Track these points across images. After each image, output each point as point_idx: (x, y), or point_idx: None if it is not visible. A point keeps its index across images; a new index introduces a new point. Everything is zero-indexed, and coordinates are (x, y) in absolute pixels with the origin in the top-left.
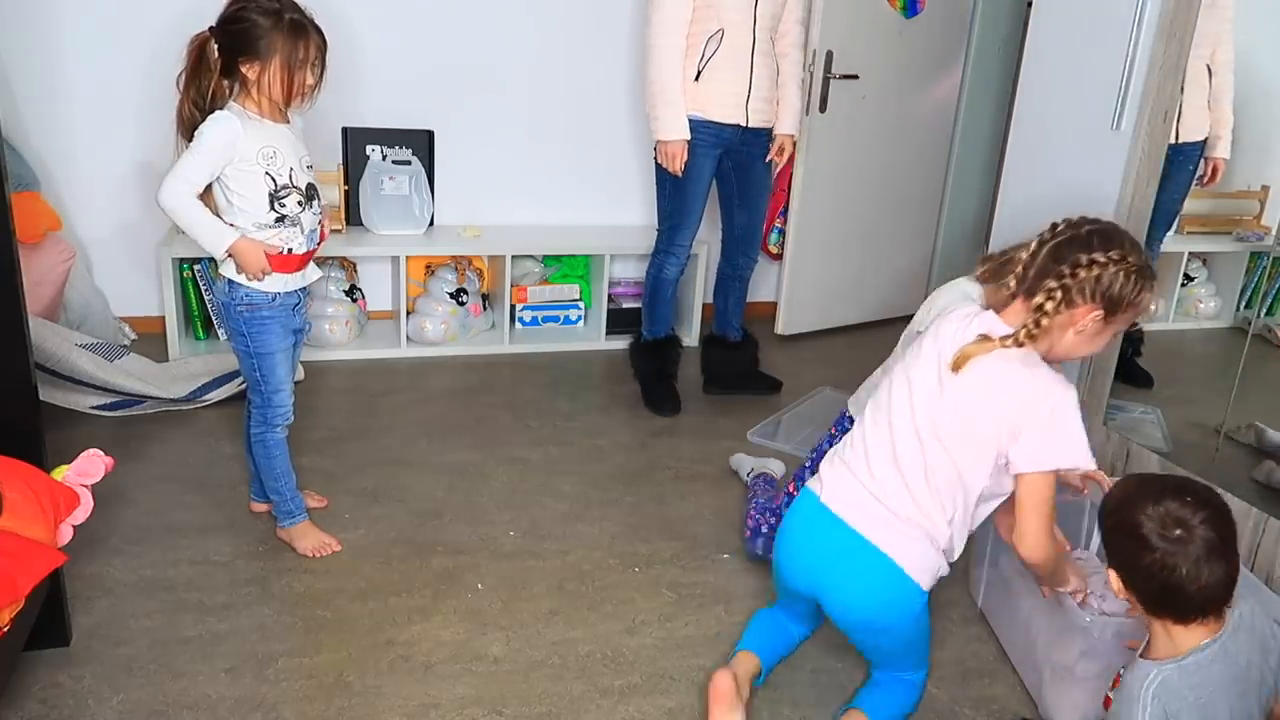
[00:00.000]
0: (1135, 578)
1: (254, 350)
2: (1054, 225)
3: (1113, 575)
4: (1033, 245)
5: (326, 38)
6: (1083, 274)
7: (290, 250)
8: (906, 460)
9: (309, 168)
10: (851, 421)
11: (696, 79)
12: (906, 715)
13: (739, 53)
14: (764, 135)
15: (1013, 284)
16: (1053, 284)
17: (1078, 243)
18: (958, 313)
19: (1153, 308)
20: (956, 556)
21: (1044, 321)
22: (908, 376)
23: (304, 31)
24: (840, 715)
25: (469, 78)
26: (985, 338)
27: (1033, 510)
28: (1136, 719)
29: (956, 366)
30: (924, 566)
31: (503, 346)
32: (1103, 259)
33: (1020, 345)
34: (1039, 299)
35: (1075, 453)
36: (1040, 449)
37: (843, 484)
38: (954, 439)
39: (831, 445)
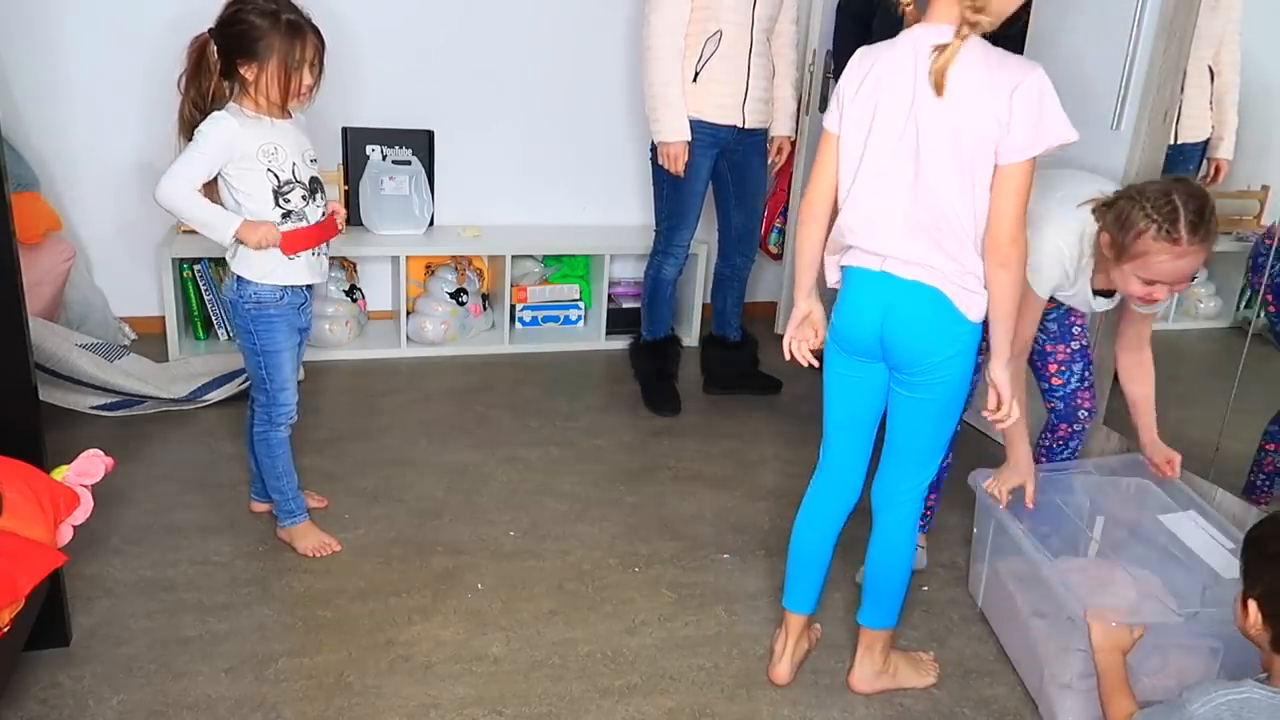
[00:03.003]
0: None
1: (261, 348)
2: None
3: (1251, 607)
4: None
5: (325, 37)
6: None
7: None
8: (916, 214)
9: (313, 161)
10: None
11: (694, 80)
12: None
13: (736, 54)
14: (760, 135)
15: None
16: None
17: None
18: (876, 61)
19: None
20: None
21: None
22: (868, 138)
23: (301, 32)
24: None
25: (469, 78)
26: (939, 48)
27: (1018, 195)
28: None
29: (940, 85)
30: (967, 302)
31: (503, 346)
32: None
33: (970, 25)
34: None
35: (1064, 128)
36: (1034, 133)
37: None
38: (948, 163)
39: None
